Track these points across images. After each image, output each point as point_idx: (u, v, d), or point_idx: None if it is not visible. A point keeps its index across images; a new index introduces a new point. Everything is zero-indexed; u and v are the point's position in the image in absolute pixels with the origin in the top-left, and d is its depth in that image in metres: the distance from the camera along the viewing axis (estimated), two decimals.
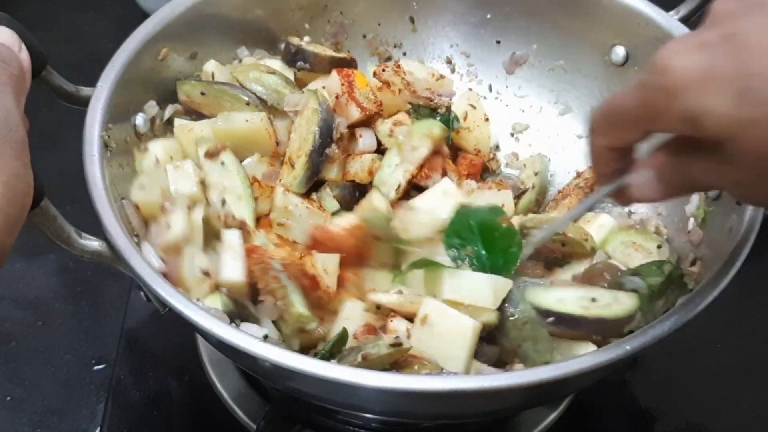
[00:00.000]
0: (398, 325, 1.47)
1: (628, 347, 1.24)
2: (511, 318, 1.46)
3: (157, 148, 1.67)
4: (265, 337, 1.42)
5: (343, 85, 1.74)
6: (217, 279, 1.51)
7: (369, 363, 1.34)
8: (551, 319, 1.43)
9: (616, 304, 1.45)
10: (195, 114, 1.77)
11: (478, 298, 1.45)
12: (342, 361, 1.37)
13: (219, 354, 1.71)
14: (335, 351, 1.41)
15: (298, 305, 1.45)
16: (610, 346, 1.26)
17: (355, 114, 1.74)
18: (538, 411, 1.73)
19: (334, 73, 1.77)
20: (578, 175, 1.87)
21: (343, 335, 1.43)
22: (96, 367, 1.80)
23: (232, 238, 1.56)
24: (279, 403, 1.65)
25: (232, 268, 1.51)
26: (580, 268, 1.64)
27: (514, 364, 1.46)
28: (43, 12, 2.61)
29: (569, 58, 1.94)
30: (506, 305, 1.47)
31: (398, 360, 1.39)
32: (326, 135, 1.68)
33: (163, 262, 1.49)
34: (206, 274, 1.50)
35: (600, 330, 1.44)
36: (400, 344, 1.37)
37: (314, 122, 1.68)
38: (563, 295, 1.47)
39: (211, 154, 1.66)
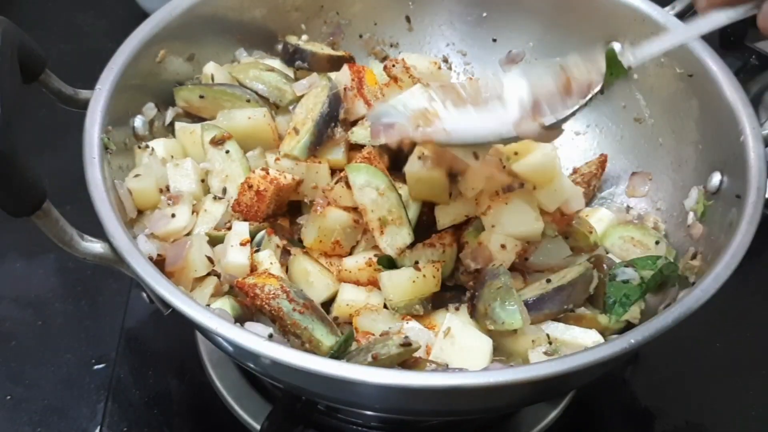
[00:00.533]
0: (413, 327, 1.49)
1: (632, 340, 1.24)
2: (488, 281, 1.55)
3: (159, 145, 1.68)
4: (270, 336, 1.42)
5: (353, 80, 1.76)
6: (223, 263, 1.55)
7: (379, 363, 1.35)
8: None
9: (569, 273, 1.57)
10: (195, 118, 1.78)
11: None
12: (351, 361, 1.37)
13: (219, 353, 1.72)
14: (343, 351, 1.41)
15: (326, 339, 1.44)
16: (614, 340, 1.27)
17: (362, 110, 1.76)
18: (539, 409, 1.74)
19: (345, 67, 1.78)
20: (575, 171, 1.87)
21: (349, 336, 1.44)
22: (96, 367, 1.80)
23: (240, 227, 1.60)
24: (282, 403, 1.65)
25: (237, 253, 1.55)
26: (578, 260, 1.65)
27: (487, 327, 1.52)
28: (44, 12, 2.62)
29: (566, 55, 1.94)
30: (486, 278, 1.56)
31: (407, 360, 1.40)
32: (334, 107, 1.71)
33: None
34: (210, 260, 1.54)
35: (566, 297, 1.54)
36: (409, 344, 1.38)
37: (324, 95, 1.71)
38: (523, 291, 1.58)
39: (217, 142, 1.67)
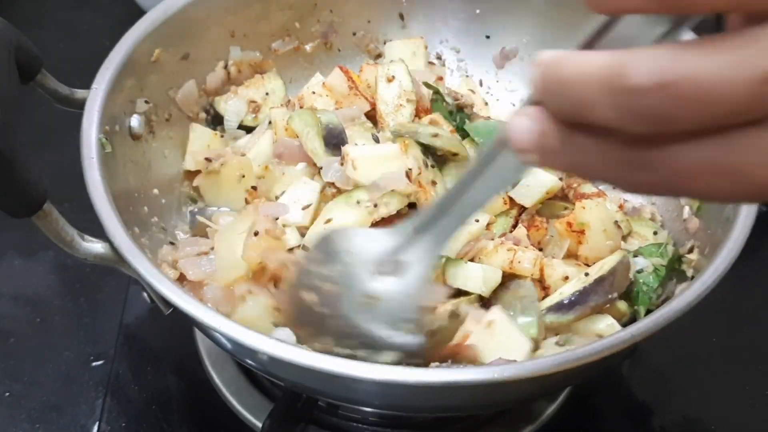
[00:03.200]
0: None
1: (635, 333, 1.25)
2: (514, 288, 1.56)
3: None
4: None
5: (348, 80, 1.78)
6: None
7: (435, 339, 1.38)
8: (567, 307, 1.52)
9: (607, 263, 1.56)
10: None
11: (472, 287, 1.54)
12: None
13: (218, 350, 1.72)
14: None
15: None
16: (615, 334, 1.28)
17: (366, 106, 1.78)
18: (536, 404, 1.74)
19: (337, 70, 1.80)
20: None
21: None
22: (94, 363, 1.81)
23: None
24: (283, 401, 1.64)
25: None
26: None
27: None
28: (40, 10, 2.62)
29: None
30: (512, 285, 1.57)
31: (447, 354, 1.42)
32: None
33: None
34: None
35: (609, 286, 1.52)
36: (457, 315, 1.43)
37: None
38: (562, 290, 1.56)
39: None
